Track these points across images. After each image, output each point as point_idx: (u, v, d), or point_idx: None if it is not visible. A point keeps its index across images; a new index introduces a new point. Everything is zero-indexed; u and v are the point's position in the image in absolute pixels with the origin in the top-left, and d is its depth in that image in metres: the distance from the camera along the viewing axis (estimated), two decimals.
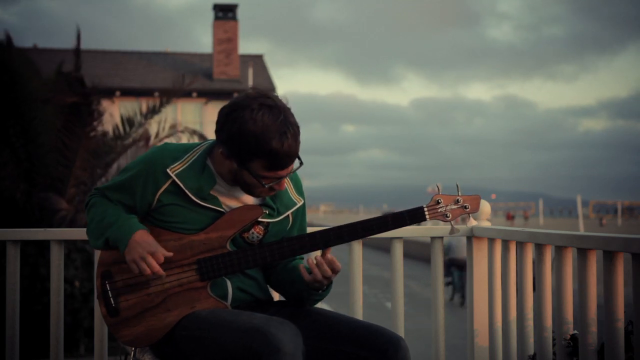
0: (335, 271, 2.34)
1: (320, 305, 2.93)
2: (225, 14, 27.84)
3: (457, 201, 2.42)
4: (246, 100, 2.26)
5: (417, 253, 27.02)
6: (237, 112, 2.24)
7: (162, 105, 10.27)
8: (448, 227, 2.58)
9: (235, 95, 2.33)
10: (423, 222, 2.52)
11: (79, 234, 3.09)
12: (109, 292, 2.40)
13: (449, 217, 2.41)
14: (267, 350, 2.07)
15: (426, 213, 2.39)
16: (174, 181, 2.35)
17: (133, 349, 2.43)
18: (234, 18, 27.87)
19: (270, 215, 2.42)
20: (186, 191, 2.34)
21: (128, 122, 9.85)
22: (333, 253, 2.36)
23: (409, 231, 3.24)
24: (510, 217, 64.11)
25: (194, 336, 2.28)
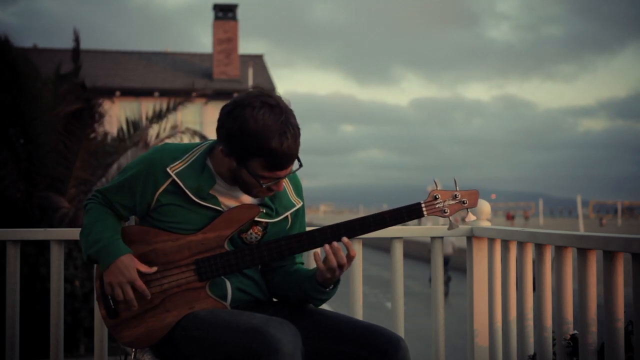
0: (350, 257, 2.31)
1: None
2: (225, 14, 27.84)
3: (455, 196, 2.39)
4: (248, 99, 2.26)
5: (417, 253, 27.03)
6: (238, 109, 2.24)
7: (168, 110, 10.27)
8: (447, 226, 2.57)
9: (236, 95, 2.33)
10: (423, 221, 2.51)
11: (79, 234, 3.08)
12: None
13: (447, 212, 2.39)
14: (267, 350, 2.07)
15: (424, 209, 2.37)
16: (173, 181, 2.35)
17: (133, 349, 2.43)
18: (234, 18, 27.87)
19: (268, 216, 2.41)
20: (186, 190, 2.34)
21: (133, 125, 9.85)
22: None
23: (409, 231, 3.24)
24: (510, 217, 64.11)
25: (194, 336, 2.28)
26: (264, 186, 2.29)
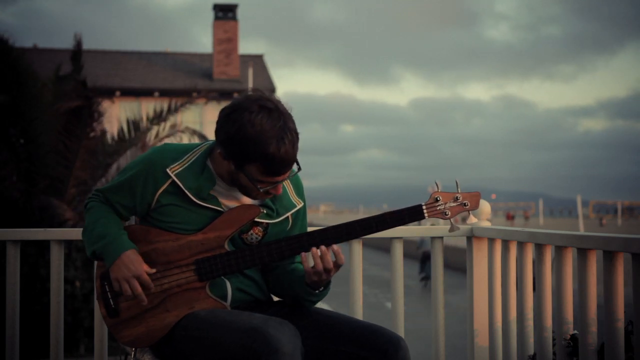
0: (337, 264, 2.32)
1: (320, 305, 2.93)
2: (225, 14, 27.84)
3: (456, 198, 2.39)
4: (246, 102, 2.25)
5: (417, 253, 27.03)
6: (236, 113, 2.24)
7: (169, 112, 10.27)
8: (448, 226, 2.57)
9: (235, 95, 2.33)
10: (423, 221, 2.51)
11: (79, 234, 3.09)
12: (109, 293, 2.40)
13: (448, 214, 2.38)
14: (266, 350, 2.07)
15: (425, 211, 2.37)
16: (173, 181, 2.35)
17: (133, 349, 2.43)
18: (234, 18, 27.87)
19: (269, 216, 2.41)
20: (186, 191, 2.34)
21: (134, 125, 9.85)
22: None
23: (409, 231, 3.24)
24: (510, 217, 64.11)
25: (194, 336, 2.28)
26: (261, 190, 2.28)
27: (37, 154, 8.76)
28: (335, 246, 2.32)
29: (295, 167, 2.31)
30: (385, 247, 28.42)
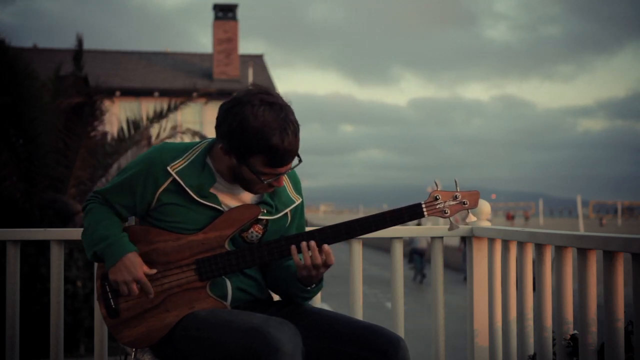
0: (326, 264, 2.33)
1: (319, 305, 2.93)
2: (225, 14, 27.83)
3: (456, 197, 2.39)
4: (247, 96, 2.25)
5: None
6: (237, 107, 2.24)
7: (169, 110, 10.27)
8: (447, 226, 2.57)
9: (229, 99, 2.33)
10: (423, 221, 2.51)
11: (79, 234, 3.08)
12: (109, 293, 2.40)
13: (447, 213, 2.38)
14: (267, 350, 2.07)
15: (424, 209, 2.37)
16: (174, 180, 2.35)
17: (133, 349, 2.43)
18: (234, 18, 27.86)
19: (269, 213, 2.41)
20: (187, 189, 2.34)
21: (134, 125, 9.85)
22: (333, 253, 2.35)
23: (409, 231, 3.24)
24: (510, 217, 64.11)
25: (194, 336, 2.28)
26: (265, 182, 2.29)
27: (37, 154, 8.76)
28: (326, 246, 2.33)
29: (296, 159, 2.32)
30: (385, 247, 28.44)
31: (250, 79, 25.54)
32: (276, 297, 2.85)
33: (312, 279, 2.36)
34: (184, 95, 11.22)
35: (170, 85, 25.74)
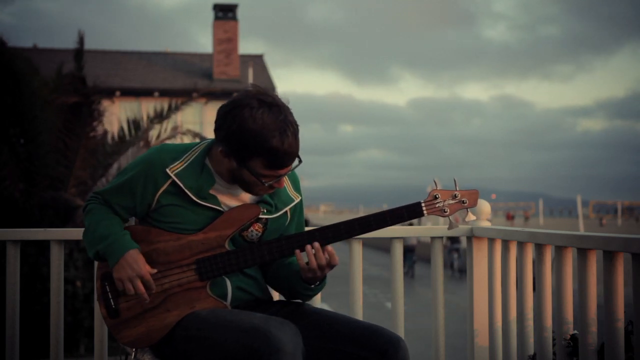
0: (330, 264, 2.33)
1: (320, 305, 2.93)
2: (225, 14, 27.83)
3: (455, 196, 2.39)
4: (245, 99, 2.25)
5: (417, 253, 27.03)
6: (236, 110, 2.24)
7: (170, 110, 10.26)
8: (447, 226, 2.57)
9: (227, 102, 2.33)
10: (423, 221, 2.51)
11: (79, 234, 3.08)
12: (109, 293, 2.40)
13: (446, 212, 2.38)
14: (267, 350, 2.07)
15: (424, 208, 2.37)
16: (173, 181, 2.35)
17: (133, 349, 2.43)
18: (234, 18, 27.86)
19: (268, 212, 2.41)
20: (186, 191, 2.34)
21: (134, 125, 9.84)
22: None
23: (409, 231, 3.24)
24: (510, 217, 64.12)
25: (194, 336, 2.28)
26: (265, 185, 2.29)
27: (37, 154, 8.76)
28: (329, 247, 2.33)
29: (296, 160, 2.32)
30: (385, 247, 28.46)
31: (251, 79, 25.55)
32: (276, 296, 2.85)
33: (316, 278, 2.37)
34: (184, 95, 11.21)
35: (170, 85, 25.73)
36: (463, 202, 2.40)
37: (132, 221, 2.63)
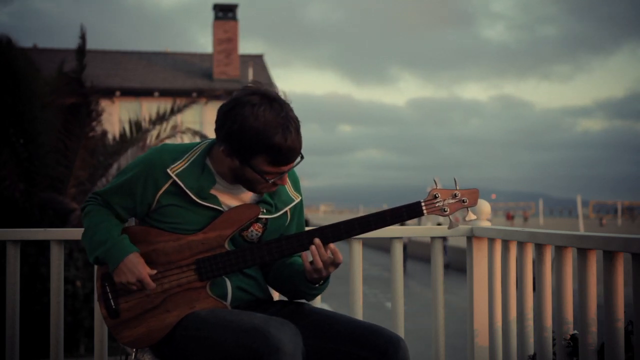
0: (335, 262, 2.32)
1: (320, 305, 2.93)
2: (225, 14, 27.82)
3: (455, 195, 2.39)
4: (246, 96, 2.25)
5: (418, 253, 27.11)
6: (237, 108, 2.23)
7: (172, 113, 10.26)
8: (448, 226, 2.57)
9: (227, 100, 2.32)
10: (423, 221, 2.51)
11: (79, 234, 3.08)
12: (109, 293, 2.40)
13: (446, 211, 2.38)
14: (267, 350, 2.07)
15: (424, 207, 2.37)
16: (174, 181, 2.35)
17: (133, 349, 2.43)
18: (234, 18, 27.86)
19: (269, 212, 2.41)
20: (187, 191, 2.34)
21: (136, 126, 9.84)
22: None
23: (409, 231, 3.24)
24: (510, 217, 64.13)
25: (194, 336, 2.28)
26: (269, 182, 2.28)
27: (37, 154, 8.76)
28: (332, 245, 2.33)
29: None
30: (385, 247, 28.49)
31: (250, 79, 25.56)
32: (276, 296, 2.85)
33: (321, 278, 2.36)
34: (184, 96, 11.22)
35: (170, 85, 25.73)
36: (463, 201, 2.39)
37: (132, 221, 2.63)
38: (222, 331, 2.20)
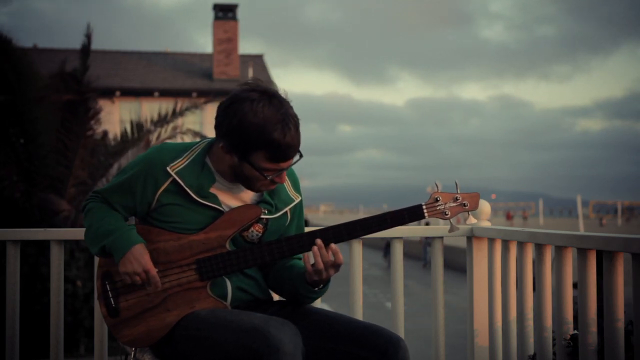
0: (336, 263, 2.32)
1: (319, 305, 2.93)
2: (225, 14, 27.83)
3: (456, 199, 2.39)
4: (245, 93, 2.25)
5: (418, 253, 27.13)
6: (236, 104, 2.24)
7: (174, 115, 10.26)
8: (447, 226, 2.57)
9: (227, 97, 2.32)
10: (423, 221, 2.51)
11: (79, 233, 3.09)
12: (109, 292, 2.40)
13: (447, 214, 2.38)
14: (267, 350, 2.07)
15: (425, 211, 2.37)
16: (173, 180, 2.35)
17: (133, 349, 2.43)
18: (234, 18, 27.86)
19: (269, 212, 2.41)
20: (186, 189, 2.34)
21: (137, 127, 9.84)
22: None
23: (409, 231, 3.24)
24: (510, 217, 64.15)
25: (194, 336, 2.27)
26: (268, 178, 2.28)
27: (37, 154, 8.76)
28: (333, 246, 2.33)
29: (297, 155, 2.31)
30: (379, 245, 28.63)
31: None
32: (276, 297, 2.85)
33: (321, 281, 2.36)
34: (184, 96, 11.22)
35: (170, 85, 25.73)
36: (464, 205, 2.40)
37: (132, 221, 2.63)
38: (222, 331, 2.20)
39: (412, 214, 2.37)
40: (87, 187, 9.17)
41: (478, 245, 3.17)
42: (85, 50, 9.52)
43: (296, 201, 2.49)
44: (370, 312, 4.86)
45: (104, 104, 9.97)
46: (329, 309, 2.49)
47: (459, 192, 2.40)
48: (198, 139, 2.57)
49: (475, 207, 2.41)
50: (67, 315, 8.10)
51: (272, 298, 2.56)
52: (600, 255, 2.40)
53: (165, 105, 10.65)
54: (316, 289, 2.39)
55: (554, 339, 2.64)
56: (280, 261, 2.49)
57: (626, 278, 2.29)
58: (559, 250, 2.58)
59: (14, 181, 8.74)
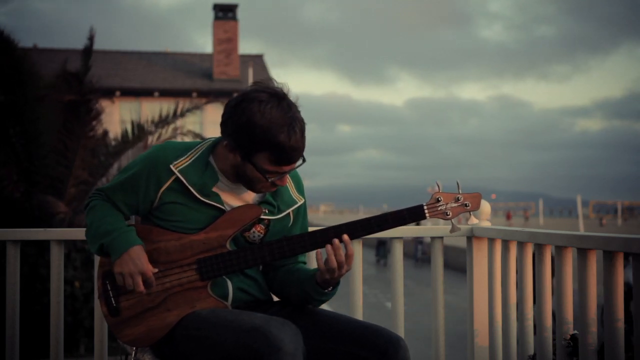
0: (348, 256, 2.30)
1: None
2: (225, 14, 27.83)
3: (457, 199, 2.39)
4: (254, 92, 2.25)
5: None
6: (245, 103, 2.24)
7: (175, 116, 10.26)
8: (448, 226, 2.57)
9: (236, 95, 2.33)
10: (423, 222, 2.51)
11: (79, 234, 3.09)
12: (110, 291, 2.40)
13: (449, 215, 2.38)
14: (268, 350, 2.07)
15: (426, 211, 2.37)
16: (176, 178, 2.35)
17: (133, 349, 2.43)
18: (234, 18, 27.86)
19: (271, 213, 2.41)
20: (189, 187, 2.34)
21: (138, 127, 9.84)
22: None
23: (409, 231, 3.24)
24: (510, 217, 64.17)
25: (194, 336, 2.28)
26: (269, 181, 2.28)
27: (37, 154, 8.76)
28: (345, 236, 2.31)
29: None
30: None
31: (251, 79, 25.54)
32: (276, 298, 2.85)
33: (332, 281, 2.35)
34: (184, 95, 11.24)
35: (170, 85, 25.73)
36: (465, 205, 2.39)
37: (133, 219, 2.63)
38: (222, 331, 2.20)
39: (413, 214, 2.37)
40: (87, 187, 9.17)
41: (478, 245, 3.17)
42: (88, 51, 9.52)
43: (299, 203, 2.49)
44: (370, 312, 4.86)
45: (104, 104, 9.97)
46: (329, 309, 2.49)
47: (460, 192, 2.40)
48: (199, 140, 2.56)
49: (476, 207, 2.41)
50: (67, 315, 8.10)
51: (272, 298, 2.56)
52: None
53: (165, 106, 10.66)
54: (326, 291, 2.38)
55: (554, 339, 2.64)
56: (282, 262, 2.49)
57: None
58: (559, 250, 2.58)
59: (14, 181, 8.73)
